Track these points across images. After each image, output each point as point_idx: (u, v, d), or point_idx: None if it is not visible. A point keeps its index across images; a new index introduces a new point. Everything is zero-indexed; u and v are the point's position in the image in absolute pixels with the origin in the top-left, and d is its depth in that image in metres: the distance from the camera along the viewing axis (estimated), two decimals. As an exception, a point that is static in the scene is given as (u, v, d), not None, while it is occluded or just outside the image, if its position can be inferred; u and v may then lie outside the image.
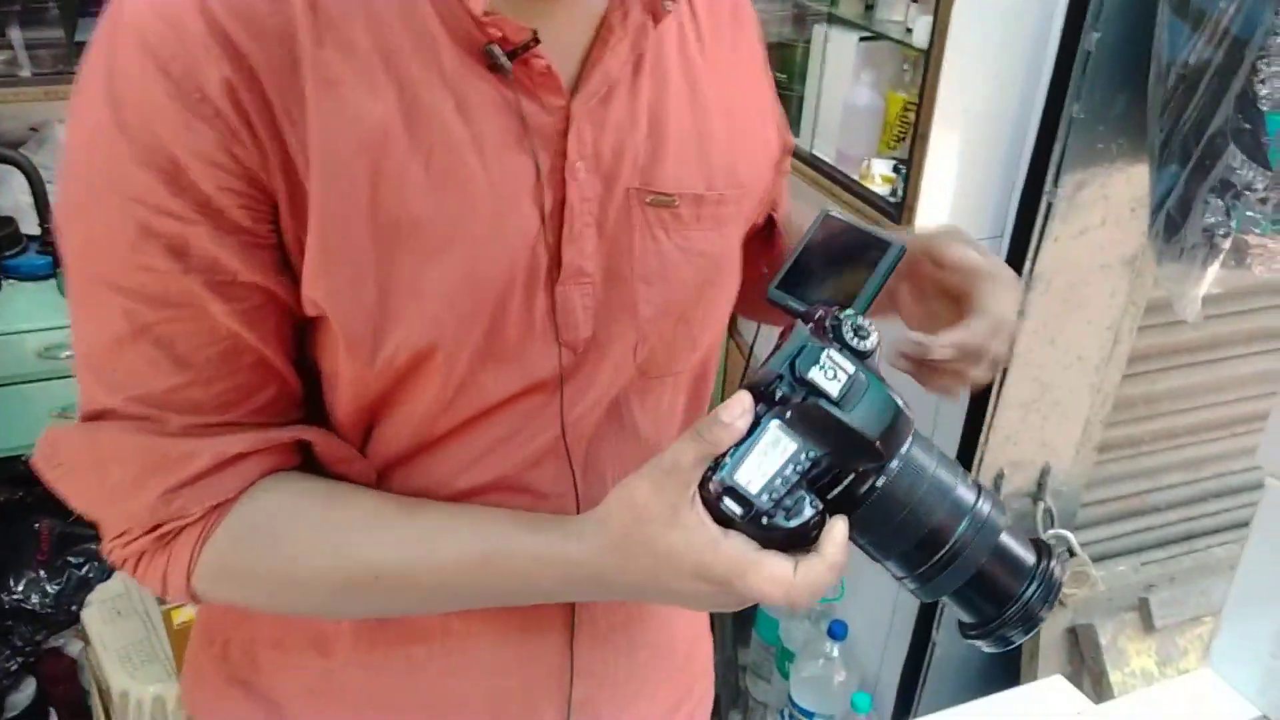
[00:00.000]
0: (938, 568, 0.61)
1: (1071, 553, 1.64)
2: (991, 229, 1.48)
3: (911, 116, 1.65)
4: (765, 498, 0.58)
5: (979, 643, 0.63)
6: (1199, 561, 1.73)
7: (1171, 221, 1.13)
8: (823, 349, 0.59)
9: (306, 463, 0.71)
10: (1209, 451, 1.76)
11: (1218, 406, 1.70)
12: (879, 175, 1.60)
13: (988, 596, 0.62)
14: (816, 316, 0.62)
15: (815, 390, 0.58)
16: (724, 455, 0.60)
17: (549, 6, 0.65)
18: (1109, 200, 1.39)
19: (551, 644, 0.80)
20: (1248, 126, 1.01)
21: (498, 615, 0.76)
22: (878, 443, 0.59)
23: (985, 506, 0.62)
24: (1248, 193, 1.01)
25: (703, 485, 0.60)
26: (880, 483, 0.60)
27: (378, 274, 0.62)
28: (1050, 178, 1.35)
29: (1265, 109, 1.00)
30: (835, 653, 1.89)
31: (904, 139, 1.68)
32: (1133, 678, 1.61)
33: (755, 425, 0.59)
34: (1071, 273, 1.44)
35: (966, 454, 1.59)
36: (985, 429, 1.55)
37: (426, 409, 0.68)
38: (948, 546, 0.61)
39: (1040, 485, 1.64)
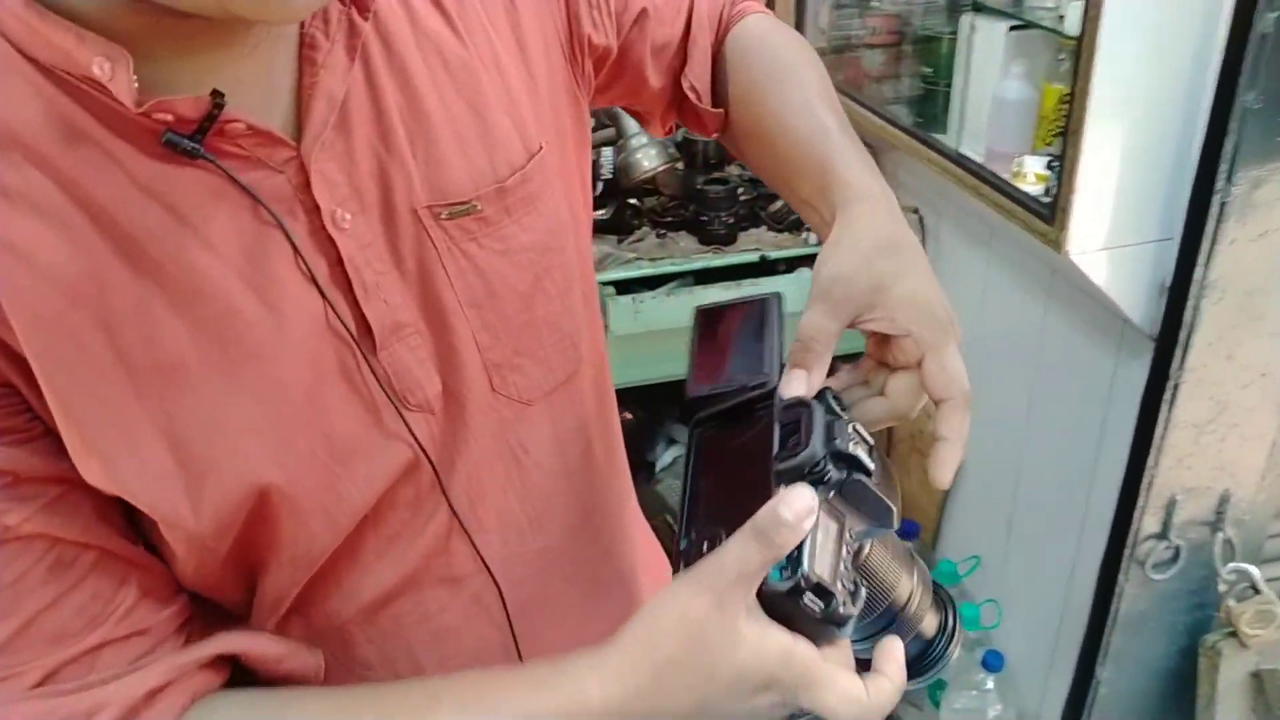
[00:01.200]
0: (893, 629, 0.62)
1: (1255, 590, 1.47)
2: (1160, 231, 1.34)
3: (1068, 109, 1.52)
4: (839, 586, 0.53)
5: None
6: None
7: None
8: (849, 422, 0.57)
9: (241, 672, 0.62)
10: None
11: None
12: (1032, 173, 1.47)
13: (912, 649, 0.63)
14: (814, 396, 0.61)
15: (857, 465, 0.56)
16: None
17: (219, 56, 0.54)
18: (1294, 198, 1.23)
19: None
20: None
21: None
22: (895, 510, 0.58)
23: (920, 566, 0.64)
24: None
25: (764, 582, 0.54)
26: (868, 549, 0.60)
27: (157, 431, 0.53)
28: (1223, 175, 1.20)
29: None
30: (990, 684, 1.78)
31: (1062, 134, 1.54)
32: (1328, 734, 1.42)
33: None
34: (1249, 280, 1.28)
35: (1133, 480, 1.45)
36: (1154, 452, 1.40)
37: (291, 546, 0.60)
38: (903, 607, 0.62)
39: (1219, 514, 1.48)
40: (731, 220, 1.98)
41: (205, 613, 0.63)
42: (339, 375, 0.59)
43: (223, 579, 0.61)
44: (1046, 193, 1.43)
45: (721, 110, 0.81)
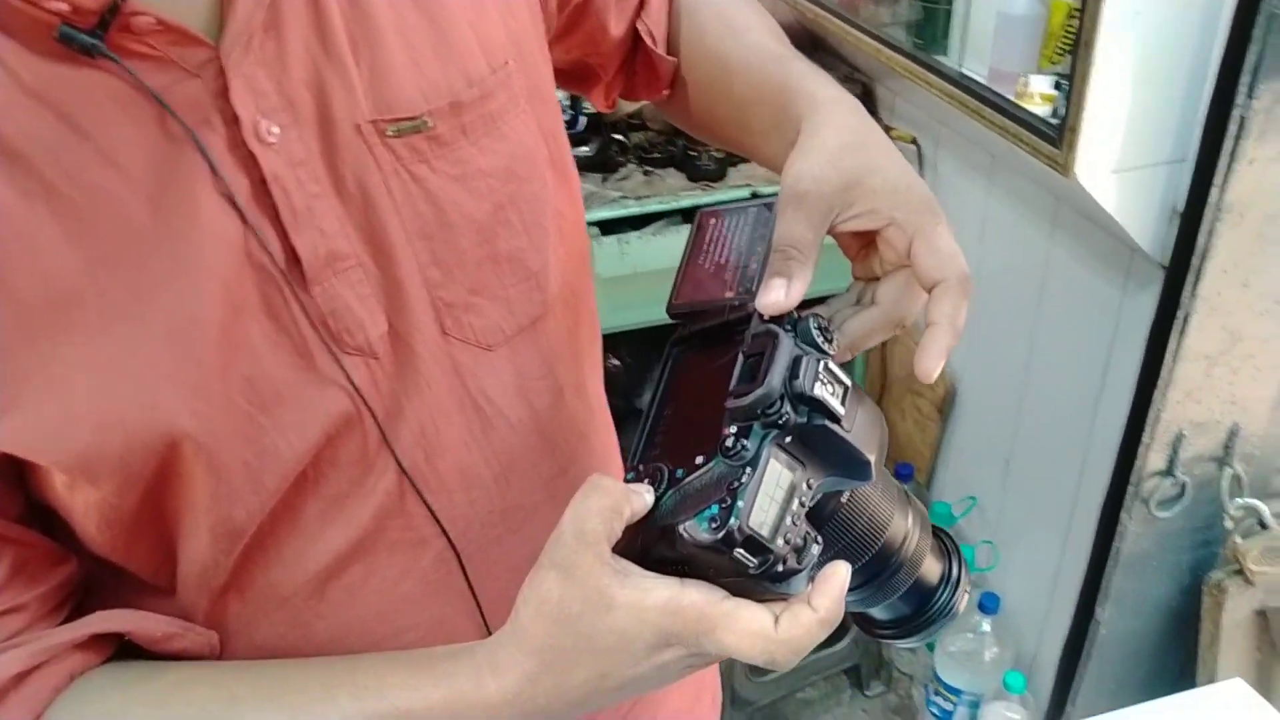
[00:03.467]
0: (880, 585, 0.58)
1: (1264, 525, 1.43)
2: (1173, 152, 1.28)
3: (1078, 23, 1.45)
4: (780, 542, 0.48)
5: (894, 642, 0.62)
6: None
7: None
8: (819, 359, 0.50)
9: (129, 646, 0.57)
10: None
11: None
12: (1038, 94, 1.40)
13: (911, 600, 0.60)
14: (785, 321, 0.54)
15: (822, 409, 0.50)
16: (714, 495, 0.48)
17: None
18: (1318, 113, 1.16)
19: None
20: None
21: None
22: (872, 463, 0.51)
23: (916, 508, 0.59)
24: None
25: (679, 530, 0.49)
26: (845, 498, 0.54)
27: (50, 372, 0.47)
28: (1244, 88, 1.13)
29: None
30: (986, 627, 1.74)
31: (1070, 51, 1.47)
32: (1337, 672, 1.39)
33: (732, 453, 0.49)
34: (1269, 203, 1.22)
35: (1139, 414, 1.40)
36: (1161, 385, 1.35)
37: (213, 508, 0.54)
38: (893, 563, 0.57)
39: (1228, 448, 1.43)
40: (721, 155, 1.90)
41: (119, 588, 0.57)
42: (262, 311, 0.53)
43: (133, 545, 0.55)
44: (1054, 114, 1.36)
45: (675, 60, 0.77)
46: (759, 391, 0.49)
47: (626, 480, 0.53)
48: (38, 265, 0.47)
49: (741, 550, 0.47)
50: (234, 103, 0.51)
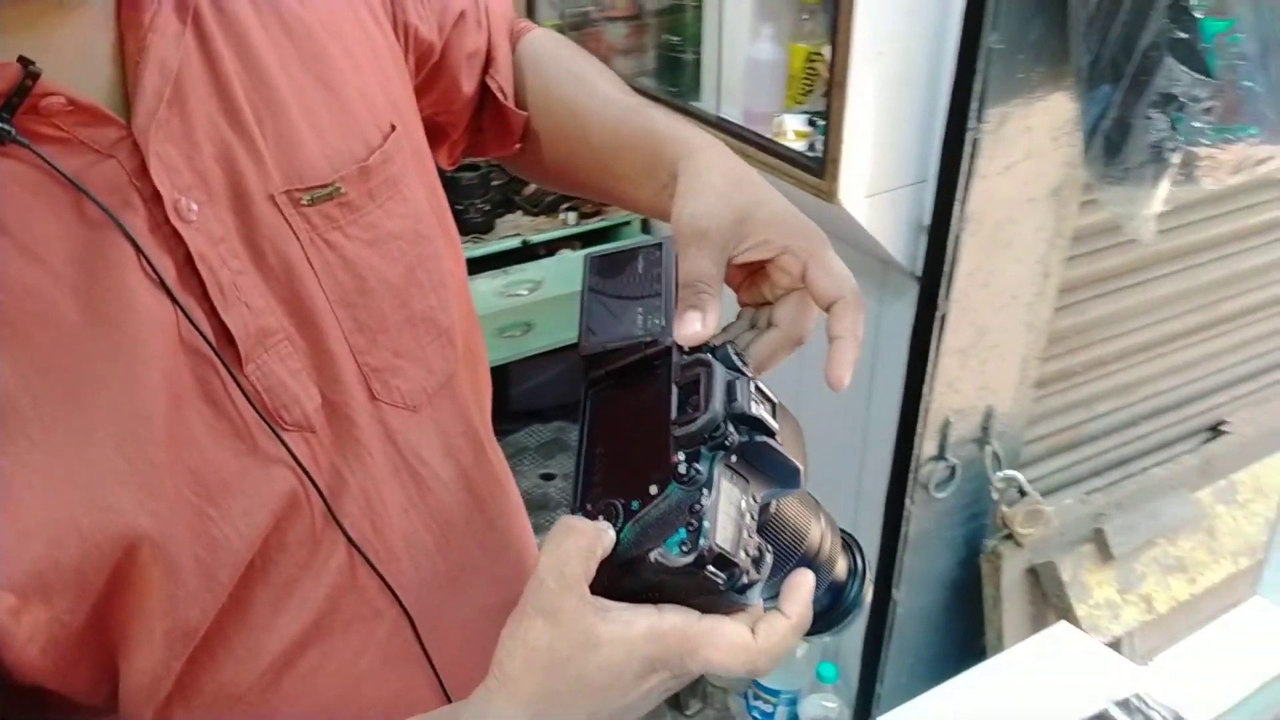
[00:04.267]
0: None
1: (1023, 492, 1.63)
2: (916, 174, 1.45)
3: (816, 67, 1.61)
4: (742, 555, 0.51)
5: (812, 637, 0.64)
6: (1141, 485, 1.74)
7: (1111, 144, 1.10)
8: (749, 380, 0.54)
9: None
10: (1138, 375, 1.77)
11: (1144, 329, 1.71)
12: (792, 130, 1.54)
13: (828, 595, 0.63)
14: (708, 350, 0.57)
15: (759, 426, 0.53)
16: (678, 520, 0.51)
17: (23, 12, 0.45)
18: (1032, 132, 1.36)
19: None
20: (1184, 35, 0.99)
21: None
22: (802, 470, 0.55)
23: (824, 511, 0.62)
24: (1191, 103, 0.99)
25: (649, 558, 0.50)
26: (773, 509, 0.57)
27: None
28: (973, 113, 1.31)
29: (1200, 15, 0.97)
30: (795, 625, 1.85)
31: (810, 91, 1.63)
32: (1098, 609, 1.60)
33: (686, 479, 0.51)
34: (999, 211, 1.41)
35: (911, 407, 1.56)
36: (928, 380, 1.51)
37: (166, 612, 0.51)
38: (816, 558, 0.60)
39: (985, 429, 1.62)
40: (488, 207, 1.94)
41: (47, 711, 0.53)
42: (200, 397, 0.52)
43: (76, 665, 0.52)
44: (810, 148, 1.50)
45: (525, 114, 0.78)
46: (705, 417, 0.51)
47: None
48: None
49: (712, 568, 0.49)
50: (155, 181, 0.49)
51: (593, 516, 0.53)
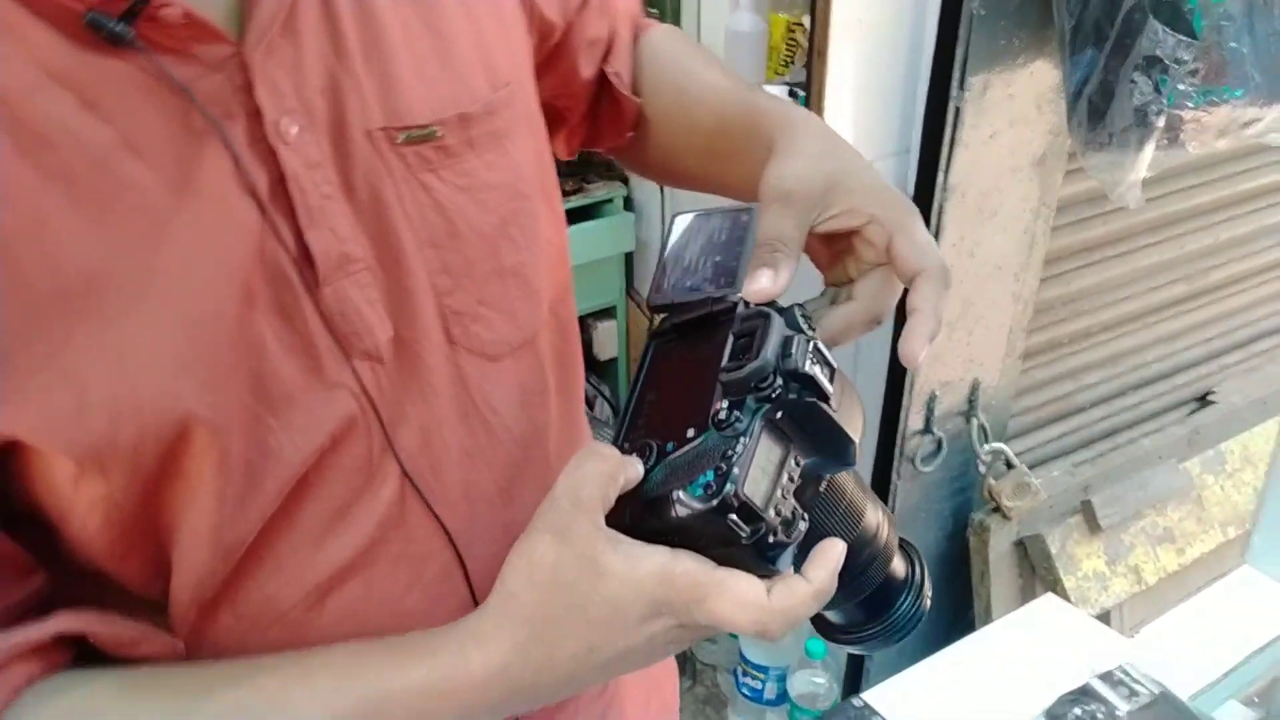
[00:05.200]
0: (850, 579, 0.56)
1: (1010, 465, 1.62)
2: (898, 144, 1.43)
3: (797, 37, 1.58)
4: (771, 513, 0.49)
5: (845, 646, 0.62)
6: (1129, 456, 1.73)
7: (1094, 109, 1.09)
8: (809, 340, 0.52)
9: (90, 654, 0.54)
10: (1125, 345, 1.76)
11: (1131, 299, 1.70)
12: (772, 103, 1.52)
13: (870, 605, 0.59)
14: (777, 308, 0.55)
15: (812, 387, 0.51)
16: (707, 464, 0.49)
17: None
18: (1014, 100, 1.34)
19: None
20: (1167, -3, 0.97)
21: None
22: (855, 445, 0.52)
23: (885, 513, 0.59)
24: (1176, 66, 0.97)
25: (673, 497, 0.49)
26: (824, 487, 0.54)
27: (63, 360, 0.47)
28: (956, 81, 1.29)
29: (1183, -24, 0.95)
30: (783, 602, 1.84)
31: (791, 62, 1.61)
32: (1086, 581, 1.60)
33: (725, 425, 0.50)
34: (983, 180, 1.39)
35: (896, 381, 1.55)
36: (913, 352, 1.50)
37: (216, 509, 0.53)
38: (864, 557, 0.57)
39: (971, 402, 1.61)
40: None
41: (104, 607, 0.55)
42: (273, 309, 0.52)
43: (130, 549, 0.54)
44: (791, 118, 1.48)
45: (639, 101, 0.78)
46: (754, 364, 0.50)
47: None
48: (53, 251, 0.46)
49: (735, 517, 0.47)
50: (259, 99, 0.51)
51: (628, 454, 0.52)
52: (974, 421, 1.61)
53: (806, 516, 0.51)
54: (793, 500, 0.50)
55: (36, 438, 0.47)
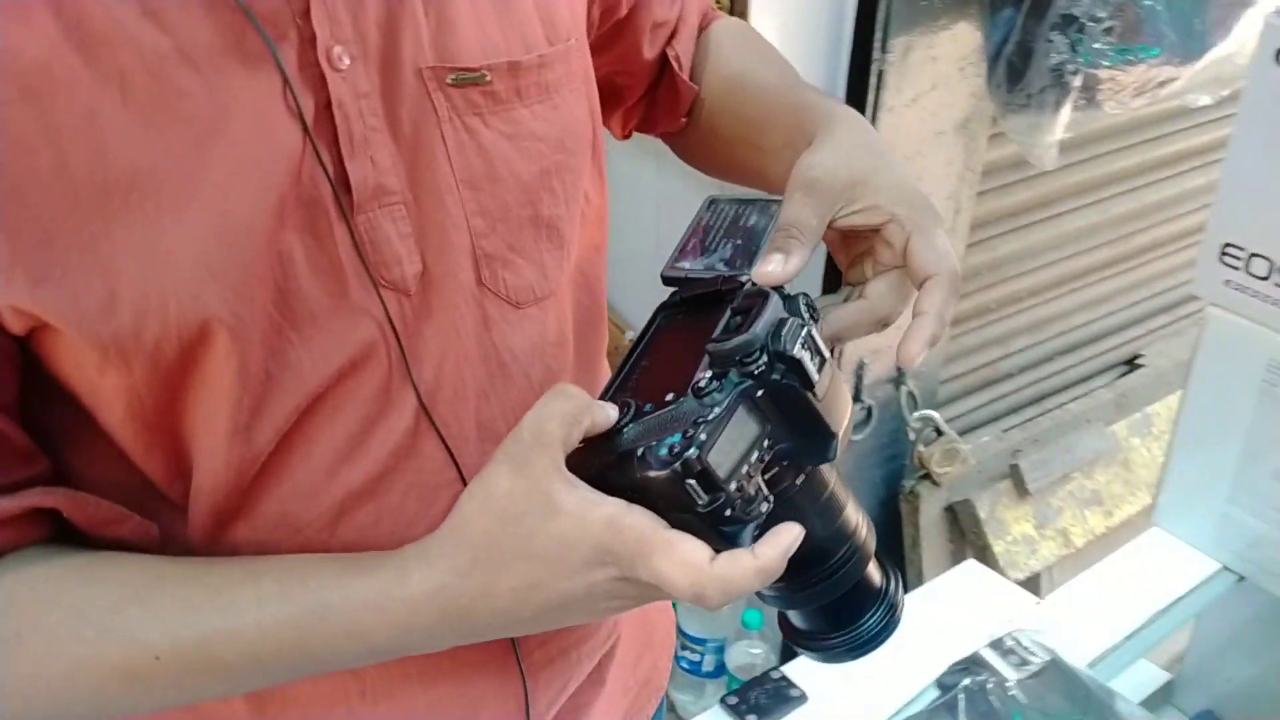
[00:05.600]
0: (820, 579, 0.56)
1: (939, 432, 1.62)
2: (821, 109, 1.40)
3: (722, 3, 1.55)
4: (733, 486, 0.48)
5: (808, 653, 0.60)
6: (1056, 420, 1.75)
7: (1013, 70, 1.07)
8: (804, 326, 0.51)
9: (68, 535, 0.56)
10: (1051, 310, 1.77)
11: (1056, 264, 1.71)
12: (696, 69, 1.49)
13: (838, 613, 0.58)
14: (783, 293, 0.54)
15: (798, 371, 0.50)
16: (677, 426, 0.49)
17: None
18: (937, 62, 1.33)
19: (496, 676, 0.67)
20: (1083, -46, 0.95)
21: (423, 661, 0.62)
22: (836, 440, 0.52)
23: (865, 518, 0.58)
24: (1092, 24, 0.96)
25: (638, 454, 0.49)
26: (800, 481, 0.53)
27: (99, 251, 0.49)
28: (878, 44, 1.28)
29: (1099, -67, 0.94)
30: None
31: (715, 28, 1.58)
32: (1015, 545, 1.60)
33: (704, 393, 0.50)
34: (907, 144, 1.38)
35: (825, 349, 1.54)
36: (841, 320, 1.49)
37: (233, 416, 0.54)
38: (837, 558, 0.56)
39: (900, 369, 1.60)
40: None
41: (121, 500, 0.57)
42: (307, 229, 0.54)
43: (153, 443, 0.55)
44: (714, 84, 1.45)
45: (697, 88, 0.79)
46: (741, 338, 0.50)
47: None
48: (101, 146, 0.48)
49: (693, 482, 0.47)
50: (315, 24, 0.52)
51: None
52: (903, 389, 1.61)
53: (772, 499, 0.50)
54: (759, 480, 0.50)
55: (64, 323, 0.49)
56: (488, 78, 0.59)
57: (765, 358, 0.50)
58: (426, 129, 0.57)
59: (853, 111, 0.67)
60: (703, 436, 0.47)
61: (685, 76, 0.78)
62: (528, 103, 0.61)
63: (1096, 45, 0.96)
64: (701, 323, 0.56)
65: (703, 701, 1.90)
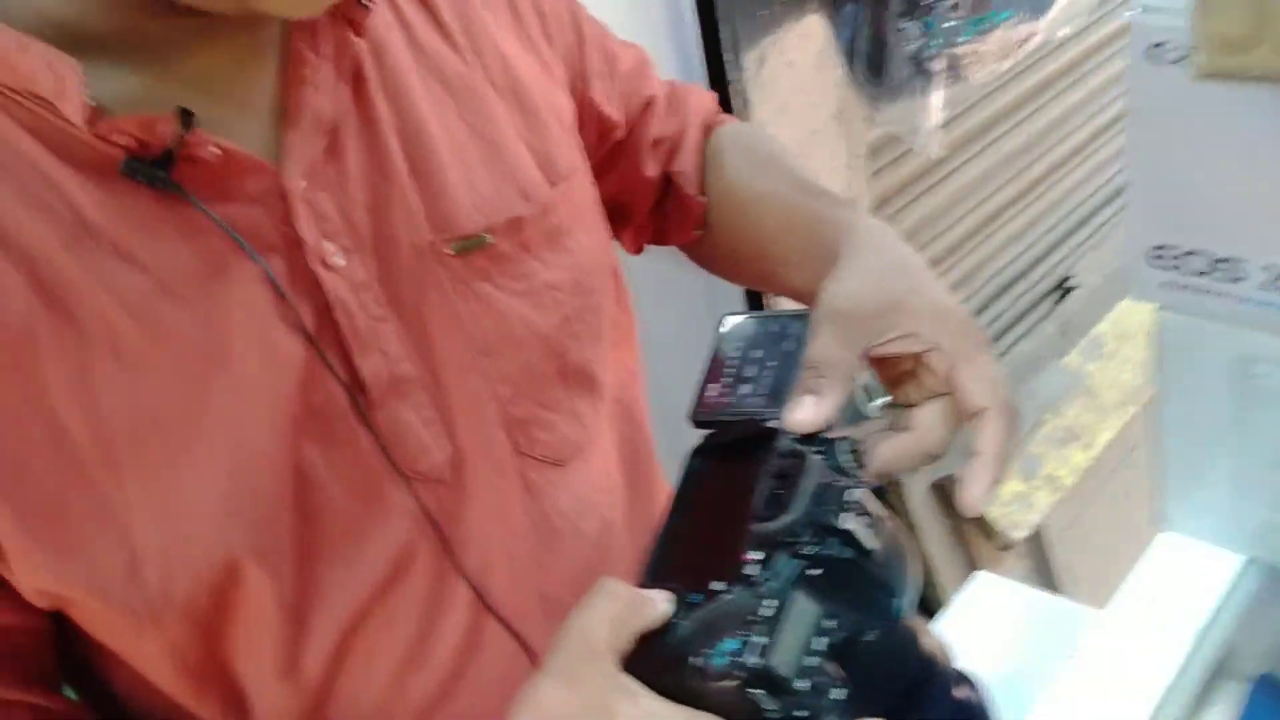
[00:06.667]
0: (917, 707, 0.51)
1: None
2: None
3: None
4: (802, 684, 0.43)
5: None
6: (1011, 365, 1.73)
7: (872, 63, 1.04)
8: (850, 489, 0.47)
9: None
10: (975, 260, 1.75)
11: (967, 215, 1.69)
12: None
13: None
14: (814, 442, 0.50)
15: (852, 542, 0.46)
16: (731, 625, 0.44)
17: (191, 67, 0.49)
18: (794, 66, 1.29)
19: None
20: (909, -65, 0.92)
21: None
22: (904, 604, 0.48)
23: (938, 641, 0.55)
24: (938, 4, 0.92)
25: (696, 664, 0.44)
26: (870, 635, 0.49)
27: (113, 513, 0.46)
28: (730, 64, 1.23)
29: (919, -90, 0.91)
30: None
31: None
32: (1009, 506, 1.58)
33: (754, 582, 0.45)
34: (789, 149, 1.34)
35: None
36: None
37: (277, 649, 0.51)
38: (922, 686, 0.51)
39: (847, 366, 1.57)
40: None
41: None
42: (327, 439, 0.51)
43: (205, 691, 0.53)
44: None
45: (705, 201, 0.75)
46: (785, 519, 0.45)
47: None
48: (95, 404, 0.46)
49: (760, 691, 0.42)
50: (300, 228, 0.50)
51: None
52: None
53: (848, 682, 0.45)
54: (828, 665, 0.45)
55: (90, 596, 0.47)
56: (490, 239, 0.56)
57: (813, 535, 0.45)
58: (435, 306, 0.54)
59: (875, 223, 0.63)
60: (762, 639, 0.42)
61: (692, 191, 0.75)
62: (538, 254, 0.58)
63: (947, 24, 0.93)
64: (735, 475, 0.51)
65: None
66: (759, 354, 0.56)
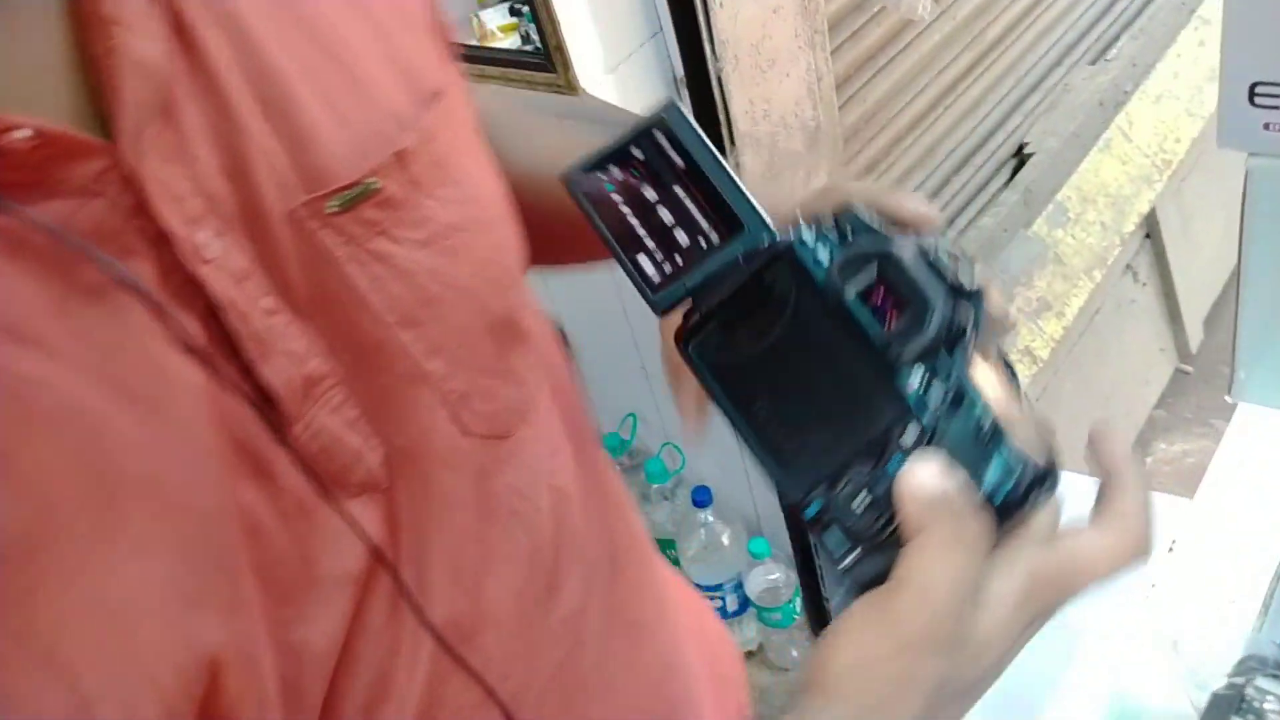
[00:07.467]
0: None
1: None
2: (648, 27, 1.28)
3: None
4: (1046, 457, 0.40)
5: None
6: (977, 242, 1.70)
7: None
8: (936, 244, 0.42)
9: None
10: (934, 134, 1.71)
11: (926, 89, 1.64)
12: (495, 28, 1.34)
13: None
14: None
15: (977, 296, 0.41)
16: (971, 458, 0.38)
17: None
18: (750, -62, 1.21)
19: None
20: None
21: None
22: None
23: None
24: None
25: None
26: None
27: (34, 642, 0.34)
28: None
29: None
30: (710, 517, 1.77)
31: (499, -23, 1.42)
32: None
33: (924, 407, 0.38)
34: (751, 33, 1.27)
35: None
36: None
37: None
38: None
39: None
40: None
41: None
42: (251, 476, 0.41)
43: None
44: (526, 40, 1.31)
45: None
46: (933, 319, 0.39)
47: (803, 510, 0.40)
48: None
49: (1036, 489, 0.39)
50: (160, 218, 0.38)
51: (827, 498, 0.39)
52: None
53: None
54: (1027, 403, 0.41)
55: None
56: (376, 184, 0.45)
57: (957, 312, 0.39)
58: (330, 279, 0.44)
59: None
60: (1004, 445, 0.38)
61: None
62: (429, 190, 0.47)
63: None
64: (769, 327, 0.42)
65: (742, 637, 1.86)
66: (663, 192, 0.45)
